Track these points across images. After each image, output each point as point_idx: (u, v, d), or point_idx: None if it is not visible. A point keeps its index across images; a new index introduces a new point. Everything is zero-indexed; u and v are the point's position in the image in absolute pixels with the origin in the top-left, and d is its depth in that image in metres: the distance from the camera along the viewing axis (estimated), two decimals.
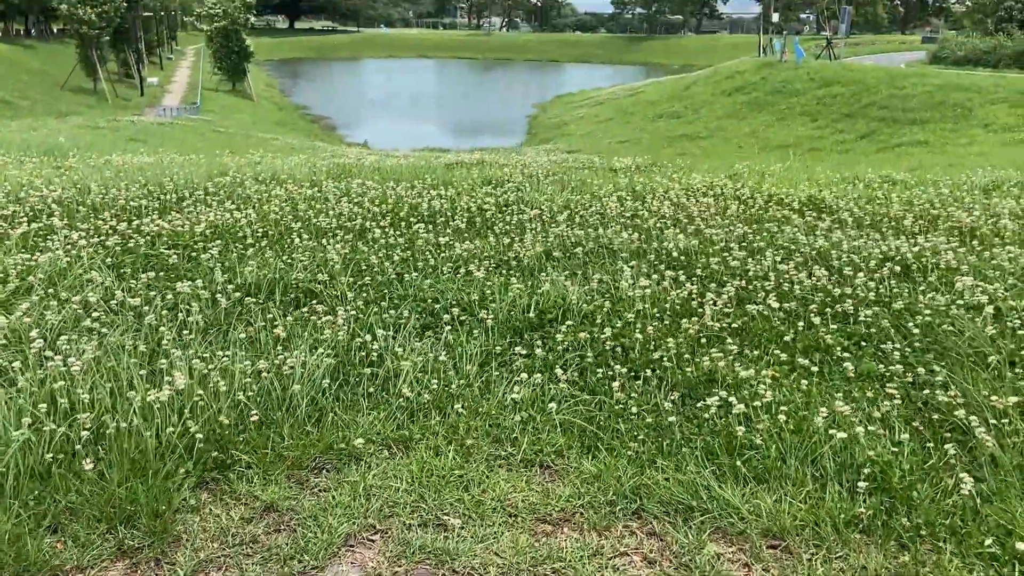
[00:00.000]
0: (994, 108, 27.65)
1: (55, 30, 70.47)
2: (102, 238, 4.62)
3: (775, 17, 61.12)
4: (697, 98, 46.35)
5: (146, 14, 59.56)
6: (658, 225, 5.40)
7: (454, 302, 3.84)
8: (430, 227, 5.38)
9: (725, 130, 38.28)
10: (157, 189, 6.23)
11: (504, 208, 5.98)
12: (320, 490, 2.55)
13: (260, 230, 5.11)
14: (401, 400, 2.99)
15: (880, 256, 4.46)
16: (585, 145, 44.02)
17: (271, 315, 3.58)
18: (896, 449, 2.62)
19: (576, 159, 28.72)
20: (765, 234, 4.97)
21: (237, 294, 3.81)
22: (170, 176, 7.01)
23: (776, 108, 37.57)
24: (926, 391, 3.01)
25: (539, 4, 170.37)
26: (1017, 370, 3.08)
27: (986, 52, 38.55)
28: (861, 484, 2.43)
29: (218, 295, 3.72)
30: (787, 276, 4.12)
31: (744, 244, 4.76)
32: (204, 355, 3.12)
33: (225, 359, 3.09)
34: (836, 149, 29.50)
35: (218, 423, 2.75)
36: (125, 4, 47.24)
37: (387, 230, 5.21)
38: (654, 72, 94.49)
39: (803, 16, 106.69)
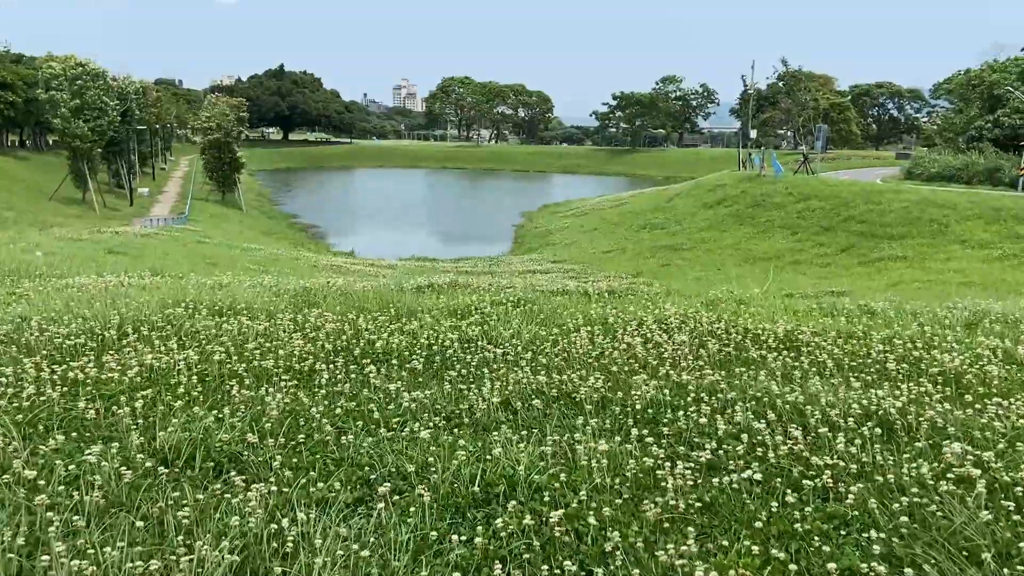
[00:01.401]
0: (970, 224, 28.13)
1: (51, 142, 71.90)
2: (17, 389, 4.26)
3: (753, 133, 63.33)
4: (680, 210, 47.23)
5: (140, 127, 60.94)
6: (627, 368, 5.10)
7: (393, 469, 3.46)
8: (385, 367, 5.06)
9: (708, 242, 38.76)
10: (101, 323, 5.91)
11: (467, 344, 5.68)
12: None
13: (199, 375, 4.76)
14: None
15: (861, 412, 4.13)
16: (570, 255, 44.42)
17: (181, 491, 3.19)
18: None
19: (552, 280, 28.76)
20: (738, 382, 4.66)
21: (149, 463, 3.42)
22: (124, 304, 6.72)
23: (757, 221, 38.21)
24: None
25: (526, 118, 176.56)
26: (1016, 567, 2.71)
27: (959, 169, 39.70)
28: None
29: (125, 468, 3.33)
30: (760, 437, 3.78)
31: (716, 394, 4.44)
32: (90, 551, 2.71)
33: (115, 555, 2.68)
34: (817, 262, 29.76)
35: None
36: (119, 118, 48.39)
37: (336, 373, 4.88)
38: (638, 183, 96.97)
39: (780, 132, 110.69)
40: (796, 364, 5.21)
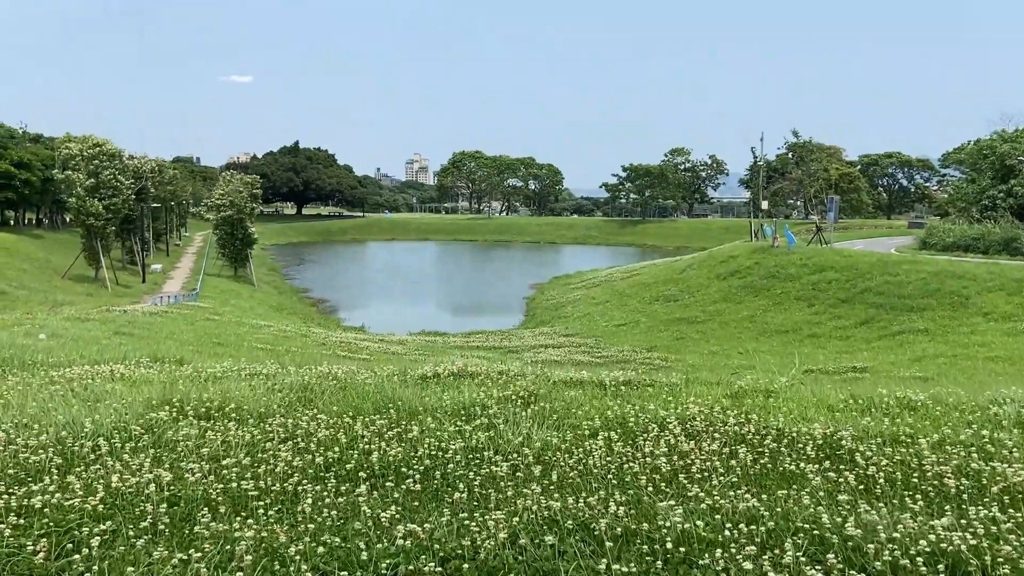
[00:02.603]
0: (991, 296, 27.52)
1: (68, 219, 73.02)
2: None
3: (764, 204, 63.41)
4: (693, 281, 46.83)
5: (155, 205, 61.77)
6: (651, 486, 4.54)
7: None
8: (379, 487, 4.52)
9: (722, 314, 38.20)
10: (75, 431, 5.43)
11: (472, 455, 5.15)
12: None
13: (170, 500, 4.24)
14: None
15: (928, 551, 3.55)
16: (582, 328, 43.89)
17: None
18: None
19: (565, 355, 28.08)
20: (779, 508, 4.09)
21: None
22: (105, 406, 6.26)
23: (772, 292, 37.72)
24: None
25: (537, 190, 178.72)
26: None
27: (975, 238, 39.29)
28: None
29: None
30: None
31: (755, 526, 3.86)
32: None
33: None
34: (836, 335, 29.10)
35: None
36: (133, 196, 49.02)
37: (324, 497, 4.34)
38: (649, 254, 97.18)
39: (790, 202, 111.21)
40: (841, 479, 4.64)
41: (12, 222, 69.73)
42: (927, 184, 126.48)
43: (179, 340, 23.47)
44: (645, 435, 5.59)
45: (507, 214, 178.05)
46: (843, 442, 5.37)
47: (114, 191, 46.36)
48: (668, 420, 5.99)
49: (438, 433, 5.63)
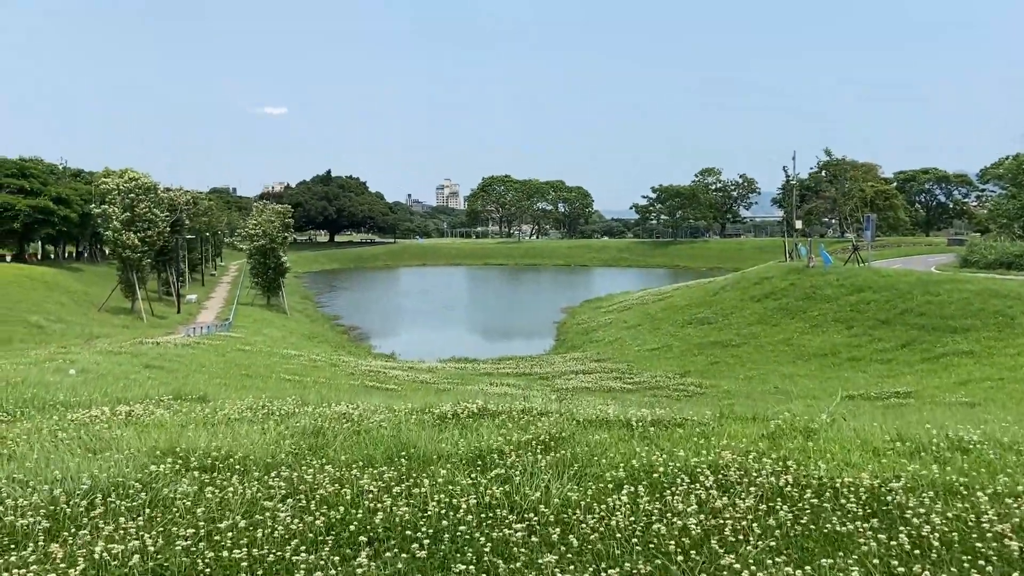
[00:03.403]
0: None
1: (107, 252, 74.42)
2: None
3: (798, 223, 62.34)
4: (726, 303, 45.96)
5: (189, 236, 62.61)
6: (681, 550, 4.13)
7: None
8: (381, 554, 4.17)
9: (758, 337, 37.33)
10: (71, 488, 5.17)
11: (485, 513, 4.78)
12: None
13: (155, 570, 3.93)
14: None
15: None
16: (614, 352, 43.22)
17: None
18: None
19: (596, 382, 27.47)
20: None
21: None
22: (106, 458, 6.02)
23: (808, 314, 36.79)
24: None
25: (566, 213, 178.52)
26: None
27: (1018, 255, 38.04)
28: None
29: None
30: None
31: None
32: None
33: None
34: (876, 359, 28.19)
35: None
36: (168, 229, 49.66)
37: (319, 565, 4.00)
38: (680, 275, 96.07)
39: (825, 220, 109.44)
40: (893, 542, 4.18)
41: (53, 256, 71.22)
42: (965, 200, 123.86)
43: (208, 372, 23.47)
44: (673, 488, 5.17)
45: (537, 237, 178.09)
46: (892, 497, 4.89)
47: (149, 224, 47.00)
48: (699, 469, 5.56)
49: (450, 487, 5.27)
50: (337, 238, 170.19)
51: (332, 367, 31.65)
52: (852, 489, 5.11)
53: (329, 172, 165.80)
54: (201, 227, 72.25)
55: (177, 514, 4.78)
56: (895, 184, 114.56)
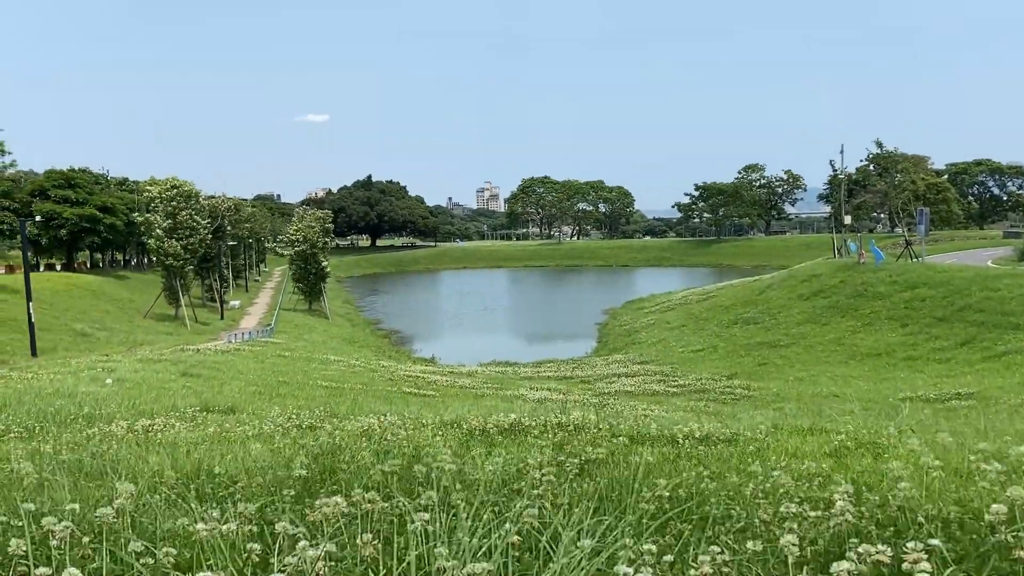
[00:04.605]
0: None
1: (152, 259, 75.76)
2: None
3: (847, 219, 60.50)
4: (773, 302, 44.68)
5: (232, 243, 63.25)
6: None
7: None
8: None
9: (807, 337, 36.11)
10: (29, 537, 4.70)
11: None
12: None
13: None
14: None
15: None
16: (657, 354, 42.25)
17: None
18: None
19: (639, 385, 26.63)
20: None
21: None
22: (107, 484, 5.58)
23: (860, 313, 35.46)
24: None
25: (607, 213, 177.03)
26: None
27: None
28: None
29: None
30: None
31: None
32: None
33: None
34: (934, 358, 26.91)
35: None
36: (210, 236, 50.11)
37: None
38: (725, 274, 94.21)
39: (874, 215, 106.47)
40: None
41: (100, 264, 72.67)
42: (1021, 192, 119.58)
43: (245, 379, 23.30)
44: (724, 529, 4.50)
45: (578, 238, 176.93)
46: (996, 534, 4.16)
47: (191, 231, 47.46)
48: (755, 499, 4.88)
49: (462, 534, 4.68)
50: (378, 242, 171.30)
51: (371, 372, 31.39)
52: (935, 517, 4.39)
53: (370, 177, 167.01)
54: (244, 233, 73.04)
55: (166, 555, 4.28)
56: (947, 176, 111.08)
